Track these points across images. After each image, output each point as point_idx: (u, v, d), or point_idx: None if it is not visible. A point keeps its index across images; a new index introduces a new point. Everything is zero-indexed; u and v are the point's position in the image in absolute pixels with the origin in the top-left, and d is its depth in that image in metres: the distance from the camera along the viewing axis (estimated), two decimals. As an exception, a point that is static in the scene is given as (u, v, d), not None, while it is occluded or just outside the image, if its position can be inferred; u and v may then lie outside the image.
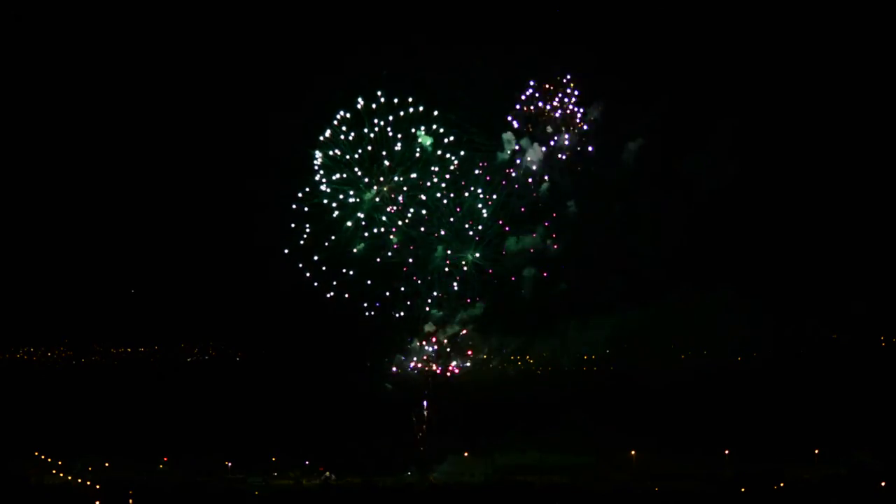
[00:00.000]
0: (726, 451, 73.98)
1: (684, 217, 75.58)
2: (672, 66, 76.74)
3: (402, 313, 75.13)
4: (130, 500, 69.79)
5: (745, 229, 79.66)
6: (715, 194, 76.37)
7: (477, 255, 74.53)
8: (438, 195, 74.21)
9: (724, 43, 78.06)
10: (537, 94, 75.14)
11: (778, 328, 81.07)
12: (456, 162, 73.96)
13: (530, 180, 75.11)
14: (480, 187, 74.51)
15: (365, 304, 74.53)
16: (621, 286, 76.13)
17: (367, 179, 73.55)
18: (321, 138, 73.75)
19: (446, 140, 73.65)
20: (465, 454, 76.27)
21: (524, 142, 74.62)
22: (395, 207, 73.73)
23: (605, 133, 75.28)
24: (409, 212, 74.03)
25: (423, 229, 74.25)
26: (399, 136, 73.36)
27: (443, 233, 74.33)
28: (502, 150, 74.46)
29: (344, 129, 73.56)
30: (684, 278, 76.72)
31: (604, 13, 77.25)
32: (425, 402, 76.99)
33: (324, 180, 73.63)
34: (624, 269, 76.02)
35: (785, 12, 78.66)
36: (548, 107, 75.21)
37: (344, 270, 74.05)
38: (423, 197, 74.01)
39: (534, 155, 74.24)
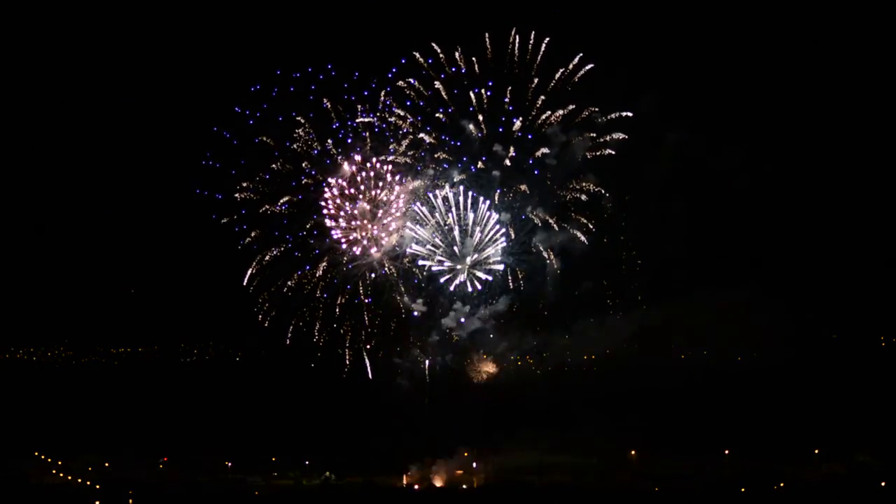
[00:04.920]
0: (726, 451, 74.02)
1: (687, 221, 75.69)
2: (706, 67, 77.19)
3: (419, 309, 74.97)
4: (130, 500, 69.81)
5: (747, 233, 79.78)
6: (715, 201, 76.67)
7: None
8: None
9: (762, 46, 78.48)
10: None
11: (778, 329, 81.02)
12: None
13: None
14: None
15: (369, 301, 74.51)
16: (637, 287, 76.34)
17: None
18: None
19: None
20: (466, 454, 76.26)
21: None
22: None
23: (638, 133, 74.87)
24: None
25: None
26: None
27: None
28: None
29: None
30: (688, 281, 76.89)
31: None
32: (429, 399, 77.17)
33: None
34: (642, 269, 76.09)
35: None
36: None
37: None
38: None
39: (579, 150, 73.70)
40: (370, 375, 76.74)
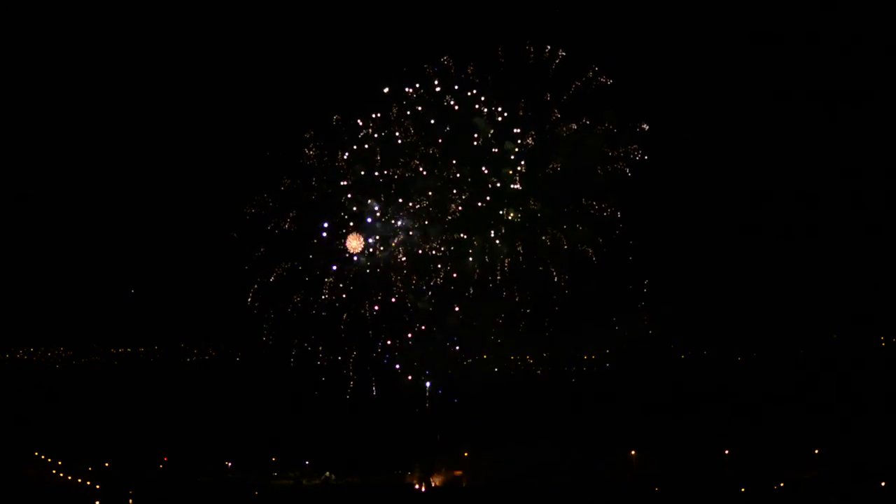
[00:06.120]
0: (726, 451, 74.00)
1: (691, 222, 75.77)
2: (714, 72, 77.28)
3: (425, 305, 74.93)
4: (130, 501, 69.82)
5: (747, 228, 79.86)
6: (713, 194, 76.75)
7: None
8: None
9: (769, 52, 78.73)
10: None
11: (778, 328, 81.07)
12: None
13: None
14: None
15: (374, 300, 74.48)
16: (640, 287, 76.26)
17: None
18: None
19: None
20: (465, 454, 76.24)
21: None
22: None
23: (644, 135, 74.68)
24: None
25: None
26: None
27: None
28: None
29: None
30: (689, 282, 76.96)
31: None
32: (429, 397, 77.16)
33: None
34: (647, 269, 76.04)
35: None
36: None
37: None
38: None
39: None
40: (374, 393, 76.96)
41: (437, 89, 71.93)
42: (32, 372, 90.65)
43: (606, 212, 73.64)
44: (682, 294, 77.62)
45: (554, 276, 73.91)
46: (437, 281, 73.64)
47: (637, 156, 72.62)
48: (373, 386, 76.90)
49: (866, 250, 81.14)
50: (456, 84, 72.06)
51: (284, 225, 72.80)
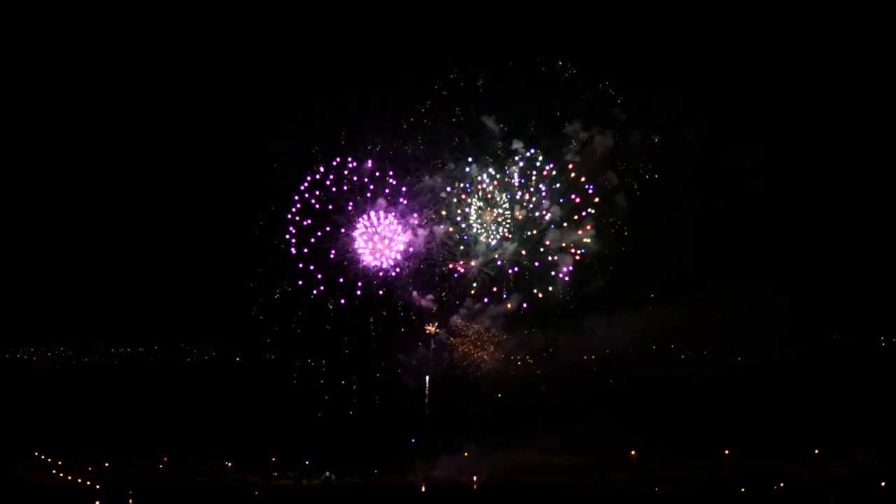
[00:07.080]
0: (726, 451, 74.03)
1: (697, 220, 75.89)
2: (723, 67, 77.33)
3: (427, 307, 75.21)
4: (130, 501, 69.86)
5: (746, 230, 79.82)
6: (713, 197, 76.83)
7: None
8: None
9: (779, 47, 78.62)
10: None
11: (777, 328, 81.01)
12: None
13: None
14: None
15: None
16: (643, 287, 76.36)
17: None
18: None
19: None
20: (466, 454, 76.23)
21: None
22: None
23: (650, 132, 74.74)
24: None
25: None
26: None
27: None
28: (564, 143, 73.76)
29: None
30: (685, 280, 76.97)
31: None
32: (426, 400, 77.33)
33: None
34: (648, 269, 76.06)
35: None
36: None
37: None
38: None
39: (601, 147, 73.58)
40: (377, 402, 77.38)
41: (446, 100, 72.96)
42: (32, 372, 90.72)
43: (614, 227, 74.26)
44: (683, 295, 77.67)
45: (556, 280, 74.35)
46: (440, 291, 74.31)
47: (646, 170, 73.25)
48: (376, 396, 77.48)
49: (866, 250, 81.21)
50: (465, 95, 73.00)
51: (290, 238, 73.49)
